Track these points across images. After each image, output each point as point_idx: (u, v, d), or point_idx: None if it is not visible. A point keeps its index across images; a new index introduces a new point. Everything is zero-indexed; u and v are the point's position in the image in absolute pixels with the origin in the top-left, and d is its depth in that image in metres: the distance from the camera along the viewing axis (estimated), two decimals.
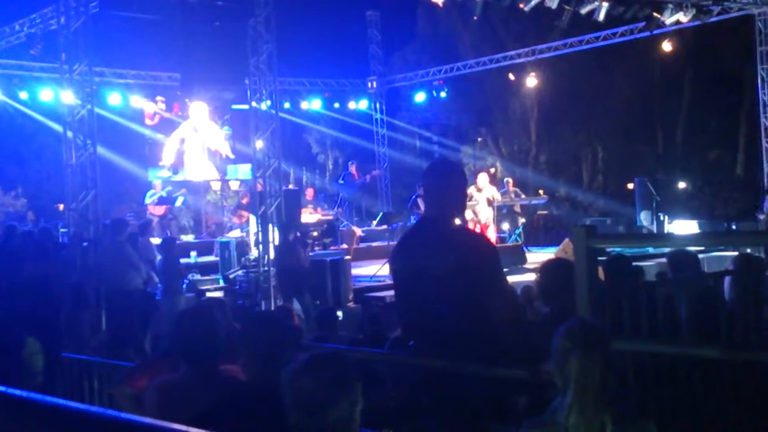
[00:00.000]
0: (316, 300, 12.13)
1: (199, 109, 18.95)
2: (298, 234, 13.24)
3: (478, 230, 15.13)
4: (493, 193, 16.28)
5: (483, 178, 16.31)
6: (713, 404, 3.57)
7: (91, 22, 13.76)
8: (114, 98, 19.09)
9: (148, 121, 19.94)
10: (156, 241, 13.99)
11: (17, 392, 1.05)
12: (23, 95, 18.38)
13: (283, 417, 2.71)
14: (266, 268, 13.39)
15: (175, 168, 19.22)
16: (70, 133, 13.56)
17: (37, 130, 21.97)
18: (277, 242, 13.45)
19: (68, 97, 13.66)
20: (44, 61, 17.02)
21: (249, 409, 3.24)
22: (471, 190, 15.04)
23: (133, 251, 11.54)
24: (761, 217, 16.09)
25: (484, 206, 15.78)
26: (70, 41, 13.61)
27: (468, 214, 14.89)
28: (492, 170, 29.19)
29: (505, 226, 17.18)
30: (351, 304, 12.31)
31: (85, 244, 11.94)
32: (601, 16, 15.53)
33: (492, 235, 15.53)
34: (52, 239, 12.59)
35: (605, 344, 2.84)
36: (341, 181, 20.86)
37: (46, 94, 17.71)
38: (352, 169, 20.41)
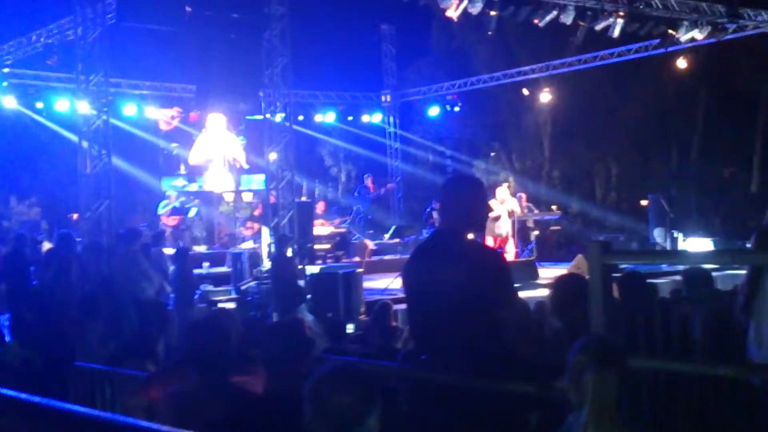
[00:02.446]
0: (328, 313, 12.10)
1: (216, 119, 18.98)
2: (296, 247, 13.25)
3: (497, 244, 15.11)
4: (514, 206, 16.25)
5: (503, 191, 16.26)
6: (727, 423, 3.54)
7: (108, 34, 13.87)
8: (129, 109, 19.18)
9: (163, 126, 19.97)
10: (169, 251, 14.02)
11: (35, 398, 1.05)
12: (39, 105, 18.49)
13: (299, 429, 2.68)
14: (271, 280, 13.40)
15: (191, 176, 19.23)
16: (85, 143, 13.65)
17: (52, 139, 22.09)
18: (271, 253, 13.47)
19: (84, 107, 13.75)
20: (60, 71, 17.13)
21: (262, 421, 3.23)
22: (492, 203, 14.97)
23: (146, 261, 11.58)
24: None
25: (504, 219, 15.73)
26: (87, 52, 13.71)
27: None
28: (505, 185, 29.16)
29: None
30: (363, 317, 12.28)
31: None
32: (616, 33, 15.51)
33: (511, 248, 15.48)
34: (70, 246, 12.60)
35: (622, 361, 2.82)
36: (356, 194, 20.87)
37: (62, 104, 17.82)
38: (368, 182, 20.42)
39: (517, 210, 16.29)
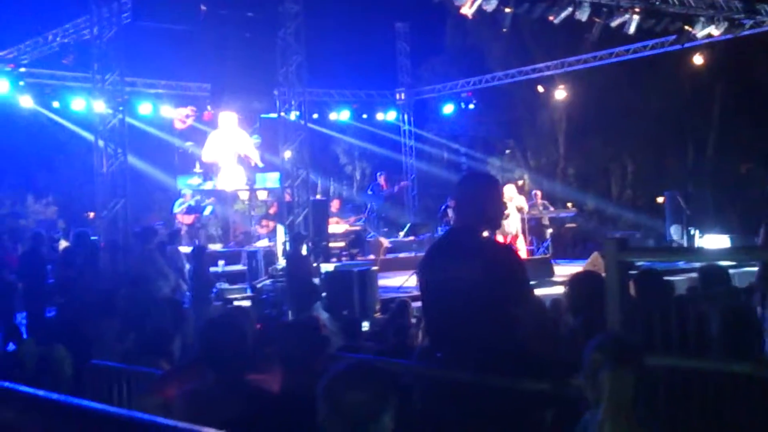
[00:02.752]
0: (343, 311, 12.12)
1: (228, 117, 19.03)
2: (310, 245, 13.26)
3: (507, 242, 15.06)
4: (521, 203, 16.21)
5: (510, 189, 16.23)
6: (743, 421, 3.52)
7: (123, 33, 13.93)
8: (145, 108, 19.27)
9: (178, 124, 20.05)
10: (185, 249, 14.08)
11: (52, 395, 1.05)
12: (56, 104, 18.59)
13: (314, 426, 2.68)
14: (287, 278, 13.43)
15: (207, 175, 19.30)
16: (101, 142, 13.71)
17: (68, 138, 22.19)
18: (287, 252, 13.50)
19: (100, 106, 13.82)
20: (77, 70, 17.21)
21: (277, 418, 3.23)
22: None
23: (162, 259, 11.63)
24: None
25: (513, 217, 15.71)
26: (103, 51, 13.77)
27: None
28: (520, 182, 29.03)
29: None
30: (378, 315, 12.29)
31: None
32: (632, 29, 15.44)
33: (522, 245, 15.43)
34: (87, 244, 12.68)
35: (638, 359, 2.81)
36: (370, 192, 20.88)
37: (78, 104, 17.91)
38: (381, 180, 20.42)
39: (525, 207, 16.25)
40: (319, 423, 2.64)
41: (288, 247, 14.15)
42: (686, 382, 3.49)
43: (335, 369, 2.74)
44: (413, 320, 8.89)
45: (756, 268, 12.11)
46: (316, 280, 12.94)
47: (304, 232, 14.42)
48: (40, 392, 1.08)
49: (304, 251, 13.60)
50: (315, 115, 21.43)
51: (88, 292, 10.10)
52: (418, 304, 6.59)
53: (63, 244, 15.84)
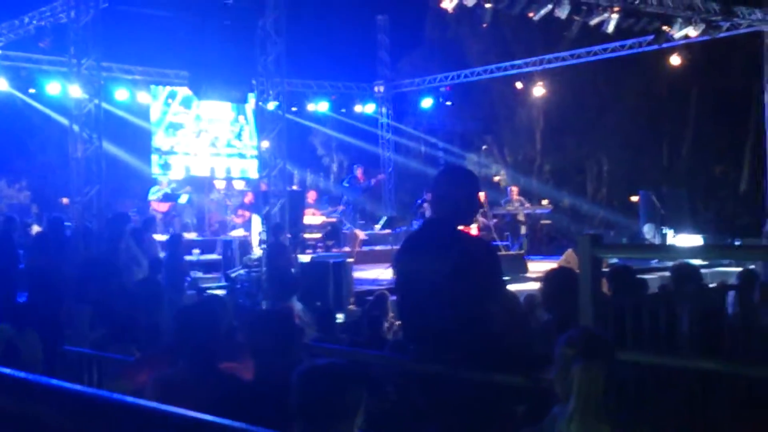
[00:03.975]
0: (317, 302, 12.12)
1: (206, 103, 18.94)
2: (289, 236, 13.24)
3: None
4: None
5: None
6: (713, 417, 3.57)
7: (101, 17, 13.79)
8: (121, 94, 19.10)
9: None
10: (161, 237, 14.00)
11: (25, 375, 1.05)
12: (31, 88, 18.39)
13: (286, 416, 2.69)
14: (266, 268, 13.40)
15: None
16: (76, 127, 13.59)
17: (43, 123, 21.99)
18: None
19: (76, 91, 13.69)
20: (53, 54, 17.03)
21: (249, 407, 3.23)
22: None
23: (135, 245, 11.56)
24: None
25: None
26: (79, 35, 13.64)
27: None
28: (497, 178, 29.20)
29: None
30: (352, 307, 12.30)
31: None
32: (610, 28, 15.53)
33: None
34: (60, 230, 12.59)
35: (609, 354, 2.83)
36: (346, 184, 20.86)
37: (53, 88, 17.72)
38: (358, 172, 20.39)
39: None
40: (291, 413, 2.66)
41: (264, 237, 14.10)
42: (656, 378, 3.52)
43: (314, 364, 2.76)
44: (391, 313, 8.90)
45: (730, 268, 12.28)
46: (294, 271, 12.92)
47: (276, 222, 14.39)
48: (6, 370, 1.08)
49: (285, 242, 13.56)
50: (294, 109, 21.37)
51: (60, 278, 10.02)
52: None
53: (35, 229, 15.69)
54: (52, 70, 17.67)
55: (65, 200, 18.55)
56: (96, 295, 8.38)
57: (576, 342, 2.85)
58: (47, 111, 19.87)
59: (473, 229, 15.24)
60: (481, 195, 18.23)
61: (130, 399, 0.98)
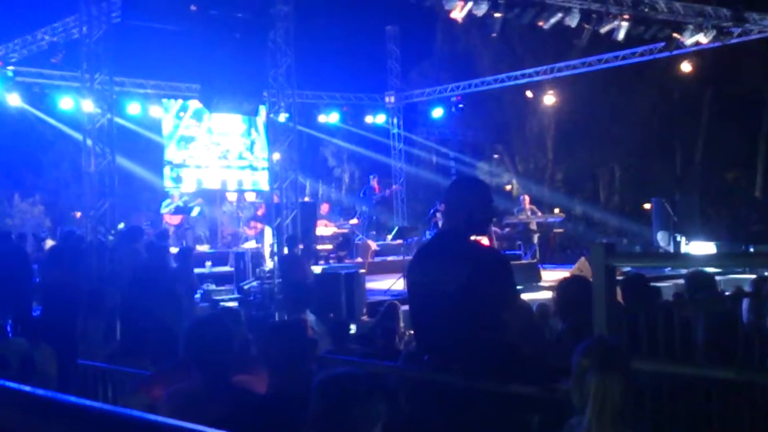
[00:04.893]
0: (330, 313, 12.12)
1: (218, 116, 19.03)
2: (301, 246, 13.25)
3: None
4: None
5: None
6: (729, 426, 3.54)
7: (113, 32, 13.88)
8: (133, 108, 19.20)
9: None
10: (173, 250, 14.04)
11: (40, 392, 1.05)
12: (43, 103, 18.50)
13: (299, 428, 2.68)
14: (280, 280, 13.41)
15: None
16: (89, 142, 13.67)
17: (56, 138, 22.15)
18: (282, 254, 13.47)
19: (88, 105, 13.78)
20: (65, 69, 17.15)
21: (263, 420, 3.23)
22: None
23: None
24: None
25: None
26: (92, 50, 13.73)
27: None
28: (508, 187, 29.19)
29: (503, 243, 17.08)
30: (365, 318, 12.29)
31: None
32: (621, 36, 15.50)
33: None
34: (74, 243, 12.64)
35: (625, 364, 2.82)
36: (362, 195, 20.86)
37: (66, 103, 17.83)
38: (374, 183, 20.38)
39: None
40: (309, 422, 2.65)
41: (276, 249, 14.12)
42: (672, 387, 3.50)
43: (335, 374, 2.75)
44: (402, 323, 8.88)
45: (744, 276, 12.22)
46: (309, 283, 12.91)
47: (291, 233, 14.42)
48: (26, 388, 1.08)
49: (299, 254, 13.58)
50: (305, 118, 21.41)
51: (75, 292, 10.06)
52: (407, 307, 6.60)
53: (49, 243, 15.77)
54: (65, 85, 17.78)
55: (78, 214, 18.65)
56: (110, 309, 8.41)
57: (592, 352, 2.84)
58: (60, 126, 19.99)
59: (484, 240, 15.27)
60: (526, 198, 18.27)
61: (145, 415, 0.99)
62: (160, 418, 0.99)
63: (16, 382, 1.16)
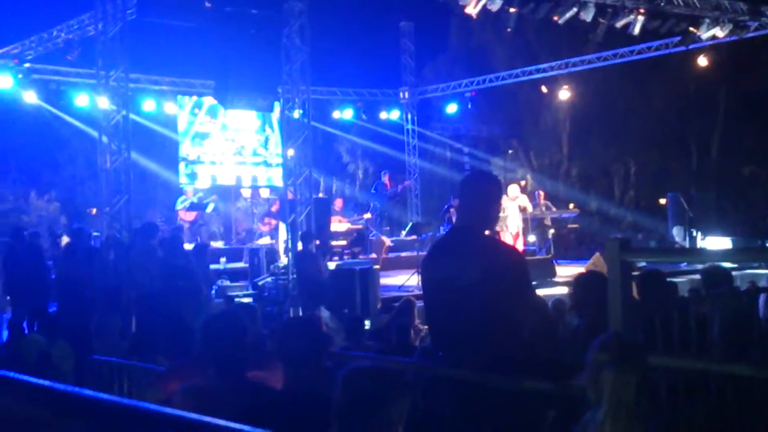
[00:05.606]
0: (344, 309, 12.12)
1: (232, 112, 19.08)
2: (317, 242, 13.26)
3: (506, 240, 15.07)
4: (525, 203, 16.22)
5: (514, 189, 16.26)
6: (745, 422, 3.52)
7: (128, 29, 13.92)
8: (148, 104, 19.26)
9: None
10: (187, 246, 14.08)
11: (60, 386, 1.05)
12: (59, 100, 18.58)
13: (315, 424, 2.69)
14: (295, 276, 13.43)
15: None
16: (105, 139, 13.73)
17: (72, 135, 22.23)
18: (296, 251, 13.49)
19: (104, 102, 13.83)
20: (81, 66, 17.22)
21: (279, 416, 3.23)
22: (504, 200, 14.95)
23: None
24: None
25: (514, 216, 15.73)
26: (107, 47, 13.78)
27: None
28: (523, 182, 29.08)
29: (531, 238, 17.05)
30: (379, 314, 12.28)
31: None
32: (637, 30, 15.41)
33: (519, 246, 15.43)
34: (84, 240, 12.71)
35: (641, 359, 2.81)
36: (373, 191, 20.86)
37: (81, 100, 17.90)
38: (385, 179, 20.38)
39: (529, 207, 16.27)
40: (332, 416, 2.65)
41: (290, 245, 14.14)
42: (688, 382, 3.49)
43: (357, 367, 2.76)
44: (417, 319, 8.88)
45: (760, 271, 12.14)
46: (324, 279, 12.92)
47: (306, 230, 14.43)
48: (45, 382, 1.09)
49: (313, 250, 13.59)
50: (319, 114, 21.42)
51: (90, 288, 10.11)
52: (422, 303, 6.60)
53: (65, 240, 15.85)
54: (81, 82, 17.85)
55: (94, 211, 18.74)
56: (126, 305, 8.45)
57: (608, 347, 2.83)
58: (76, 123, 20.08)
59: (507, 236, 15.28)
60: (541, 193, 18.26)
61: (160, 408, 0.99)
62: (175, 411, 1.00)
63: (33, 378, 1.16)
